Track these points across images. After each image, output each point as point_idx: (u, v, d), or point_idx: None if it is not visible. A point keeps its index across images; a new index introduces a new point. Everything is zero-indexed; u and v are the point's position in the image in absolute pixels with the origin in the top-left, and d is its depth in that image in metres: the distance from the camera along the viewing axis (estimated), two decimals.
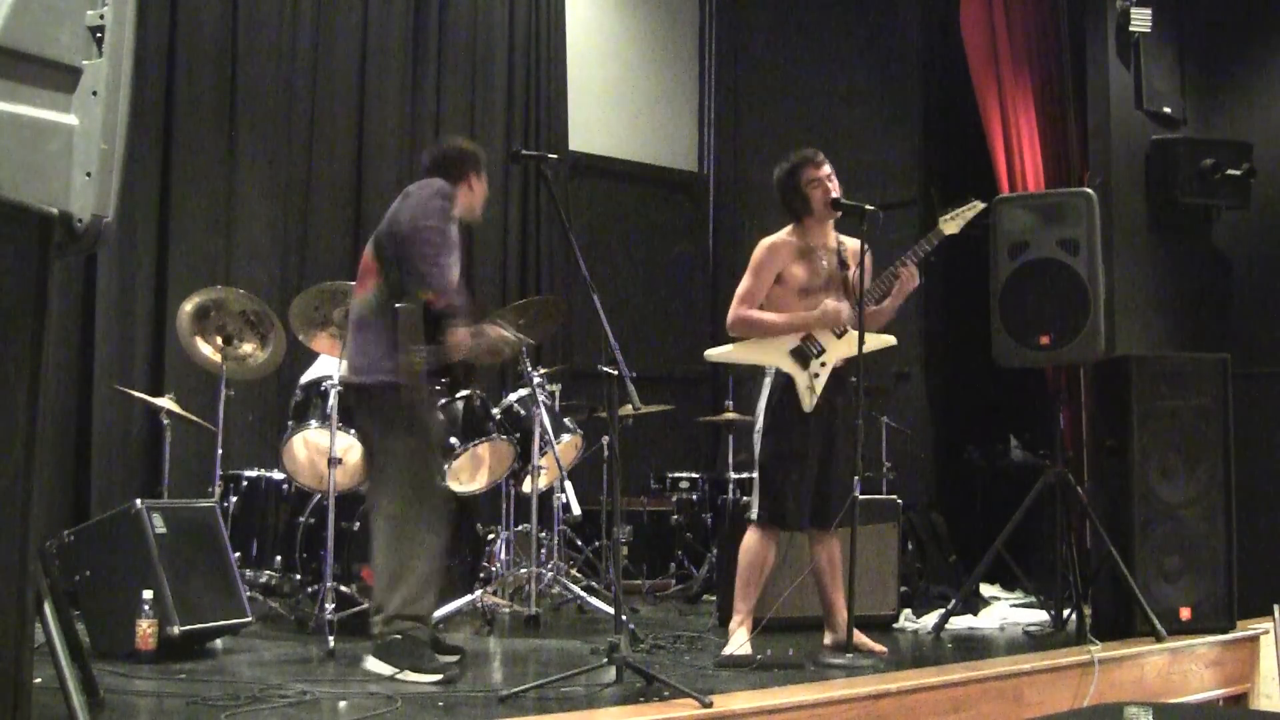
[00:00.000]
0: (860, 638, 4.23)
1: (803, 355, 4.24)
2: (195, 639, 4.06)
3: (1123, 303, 5.90)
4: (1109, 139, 6.17)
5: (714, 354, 4.42)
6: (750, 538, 4.28)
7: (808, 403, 4.20)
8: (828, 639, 4.40)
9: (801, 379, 4.22)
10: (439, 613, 4.70)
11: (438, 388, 3.95)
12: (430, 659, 3.69)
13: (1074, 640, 4.56)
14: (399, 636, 3.67)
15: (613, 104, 8.10)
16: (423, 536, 3.74)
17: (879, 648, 4.30)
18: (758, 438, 4.29)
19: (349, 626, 4.42)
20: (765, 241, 4.34)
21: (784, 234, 4.35)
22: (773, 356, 4.26)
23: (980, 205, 4.37)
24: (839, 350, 4.25)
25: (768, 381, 4.29)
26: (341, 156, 6.66)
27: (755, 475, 4.30)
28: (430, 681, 3.59)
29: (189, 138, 6.09)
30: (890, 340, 4.33)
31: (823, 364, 4.23)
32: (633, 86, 8.22)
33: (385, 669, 3.65)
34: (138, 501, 4.07)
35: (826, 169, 4.29)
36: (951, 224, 4.32)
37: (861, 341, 4.11)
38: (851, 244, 4.35)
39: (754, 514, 4.28)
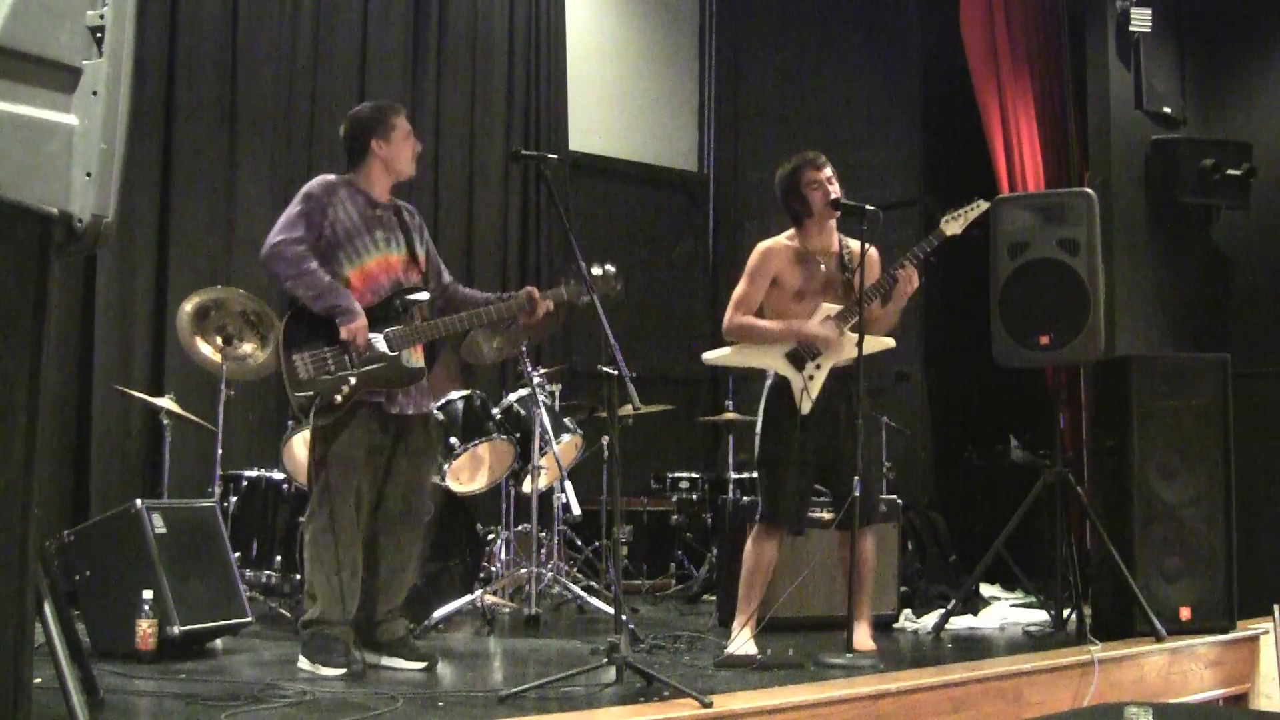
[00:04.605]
0: (861, 635, 4.24)
1: (798, 358, 4.23)
2: (195, 639, 4.06)
3: (1123, 303, 5.90)
4: (1109, 139, 6.17)
5: (710, 357, 4.41)
6: (752, 538, 4.29)
7: (804, 405, 4.20)
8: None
9: (796, 382, 4.21)
10: (439, 613, 4.71)
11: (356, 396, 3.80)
12: (335, 654, 3.74)
13: (1074, 640, 4.56)
14: (311, 636, 3.79)
15: (613, 104, 8.10)
16: (330, 554, 3.79)
17: (867, 646, 4.27)
18: (757, 439, 4.32)
19: None
20: (761, 246, 4.34)
21: (782, 238, 4.35)
22: (768, 359, 4.26)
23: (984, 205, 4.33)
24: (835, 354, 4.24)
25: (768, 384, 4.31)
26: (341, 157, 6.62)
27: (756, 475, 4.32)
28: (333, 675, 3.67)
29: (189, 138, 6.10)
30: (889, 343, 4.31)
31: (818, 366, 4.23)
32: (633, 86, 8.22)
33: (305, 664, 3.77)
34: (138, 501, 4.07)
35: (827, 171, 4.29)
36: (954, 224, 4.27)
37: (861, 342, 4.11)
38: (856, 246, 4.35)
39: (757, 513, 4.30)
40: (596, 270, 3.85)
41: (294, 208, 3.87)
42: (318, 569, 3.80)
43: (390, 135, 3.96)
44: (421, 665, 3.87)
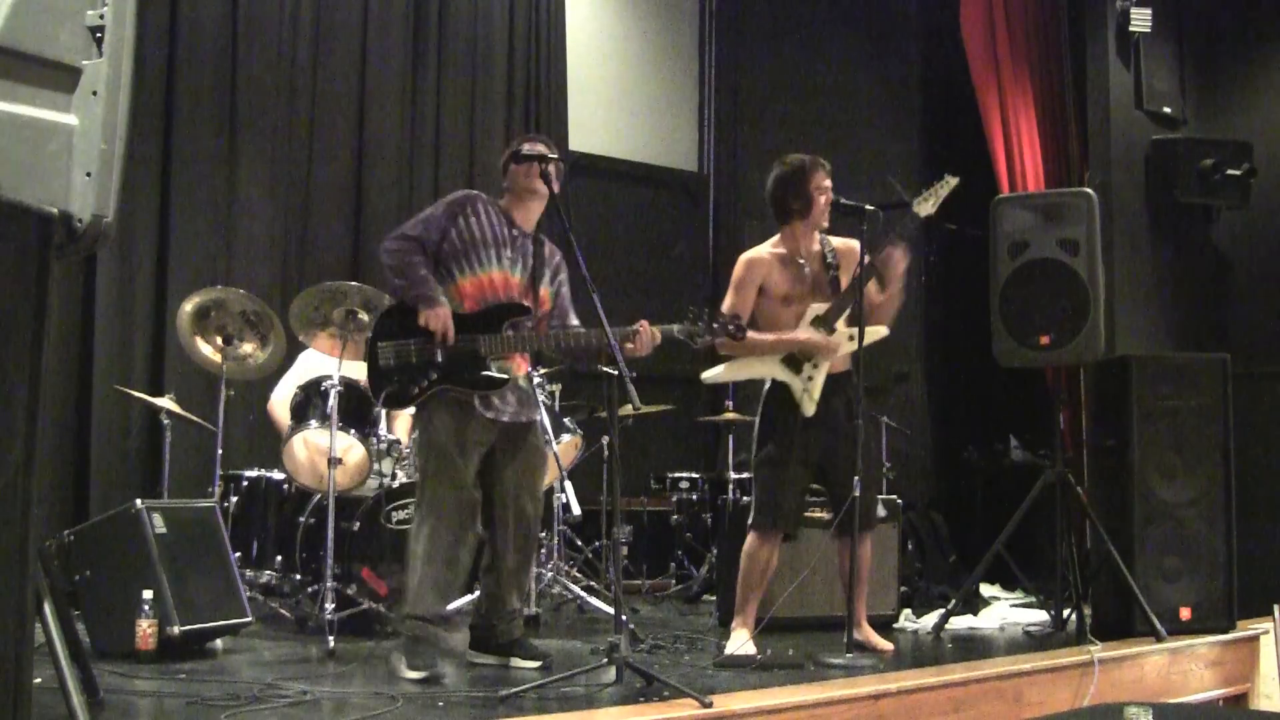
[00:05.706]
0: (869, 635, 4.25)
1: (794, 362, 4.23)
2: (195, 639, 4.06)
3: (1123, 303, 5.91)
4: (1109, 139, 6.18)
5: (709, 375, 4.38)
6: (749, 541, 4.29)
7: (807, 408, 4.19)
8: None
9: (796, 385, 4.21)
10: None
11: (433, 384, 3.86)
12: (418, 656, 3.73)
13: (1074, 640, 4.56)
14: (407, 634, 3.82)
15: (613, 104, 8.09)
16: (423, 542, 3.82)
17: (883, 646, 4.29)
18: (755, 441, 4.32)
19: (349, 626, 4.44)
20: (744, 257, 4.35)
21: (765, 247, 4.36)
22: (766, 368, 4.27)
23: (953, 181, 4.27)
24: (831, 352, 4.23)
25: (765, 386, 4.31)
26: (341, 156, 6.65)
27: (753, 478, 4.32)
28: (411, 678, 3.65)
29: (189, 138, 6.09)
30: (883, 331, 4.27)
31: (815, 367, 4.23)
32: (633, 86, 8.22)
33: (393, 657, 3.79)
34: (138, 501, 4.07)
35: (830, 181, 4.30)
36: (926, 204, 4.25)
37: (861, 343, 4.10)
38: (841, 243, 4.36)
39: (750, 517, 4.30)
40: (719, 320, 3.90)
41: (423, 211, 4.02)
42: (413, 561, 3.84)
43: (522, 161, 4.05)
44: (538, 664, 3.93)
